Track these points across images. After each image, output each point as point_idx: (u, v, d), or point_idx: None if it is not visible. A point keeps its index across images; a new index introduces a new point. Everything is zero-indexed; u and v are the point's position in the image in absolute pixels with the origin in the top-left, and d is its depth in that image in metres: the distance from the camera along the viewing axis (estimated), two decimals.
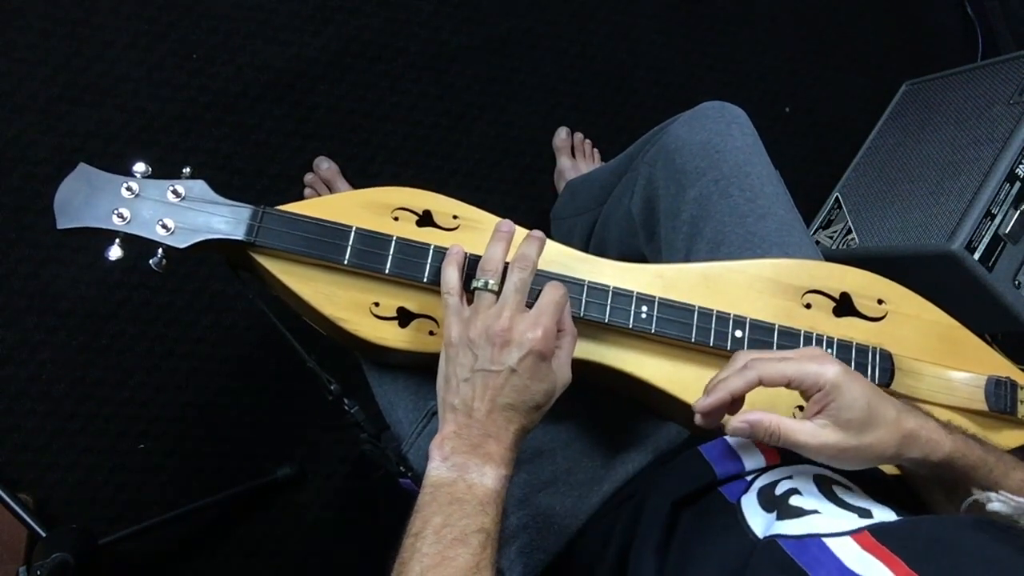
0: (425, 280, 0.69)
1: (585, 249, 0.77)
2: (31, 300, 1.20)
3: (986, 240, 1.25)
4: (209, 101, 1.31)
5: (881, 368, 0.76)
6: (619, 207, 1.02)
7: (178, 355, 1.24)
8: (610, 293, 0.71)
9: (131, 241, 0.65)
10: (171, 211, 0.66)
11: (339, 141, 1.36)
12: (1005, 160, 1.28)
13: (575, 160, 1.44)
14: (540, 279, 0.66)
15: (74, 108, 1.25)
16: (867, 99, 1.69)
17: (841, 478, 0.62)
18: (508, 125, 1.47)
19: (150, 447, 1.22)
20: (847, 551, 0.49)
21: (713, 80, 1.62)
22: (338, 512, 1.30)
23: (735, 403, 0.60)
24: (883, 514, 0.55)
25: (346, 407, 0.79)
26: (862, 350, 0.76)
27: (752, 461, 0.65)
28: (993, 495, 0.58)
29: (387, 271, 0.69)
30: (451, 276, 0.65)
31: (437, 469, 0.59)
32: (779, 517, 0.56)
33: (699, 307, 0.73)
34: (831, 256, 1.26)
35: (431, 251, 0.70)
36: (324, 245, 0.68)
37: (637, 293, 0.72)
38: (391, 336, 0.70)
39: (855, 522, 0.52)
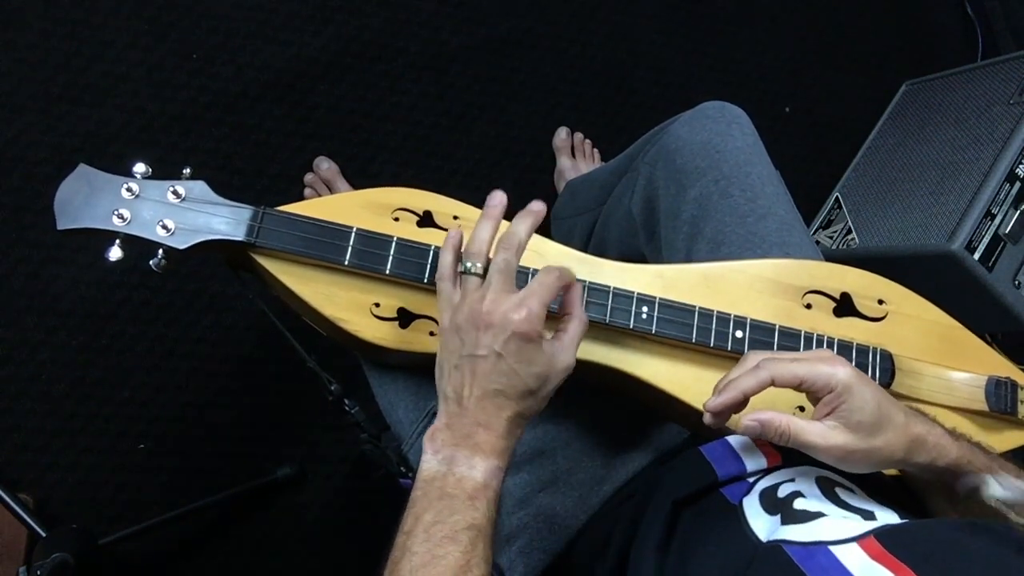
0: (426, 281, 0.69)
1: (585, 249, 0.77)
2: (31, 300, 1.20)
3: (986, 240, 1.25)
4: (209, 101, 1.31)
5: (882, 368, 0.76)
6: (619, 207, 1.02)
7: (178, 355, 1.24)
8: (610, 293, 0.71)
9: (131, 242, 0.65)
10: (171, 212, 0.66)
11: (339, 141, 1.36)
12: (1005, 160, 1.28)
13: (575, 160, 1.44)
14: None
15: (74, 108, 1.25)
16: (867, 99, 1.69)
17: (843, 480, 0.62)
18: (508, 125, 1.47)
19: (150, 447, 1.22)
20: (854, 560, 0.48)
21: (713, 80, 1.62)
22: (338, 512, 1.30)
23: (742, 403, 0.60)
24: (886, 516, 0.55)
25: (346, 407, 0.79)
26: (862, 350, 0.76)
27: (754, 462, 0.65)
28: (991, 478, 0.58)
29: (387, 272, 0.69)
30: (445, 260, 0.63)
31: (428, 462, 0.58)
32: (784, 521, 0.55)
33: (699, 307, 0.73)
34: (831, 256, 1.26)
35: (431, 252, 0.69)
36: (324, 245, 0.68)
37: (637, 293, 0.72)
38: (391, 337, 0.70)
39: (860, 526, 0.52)
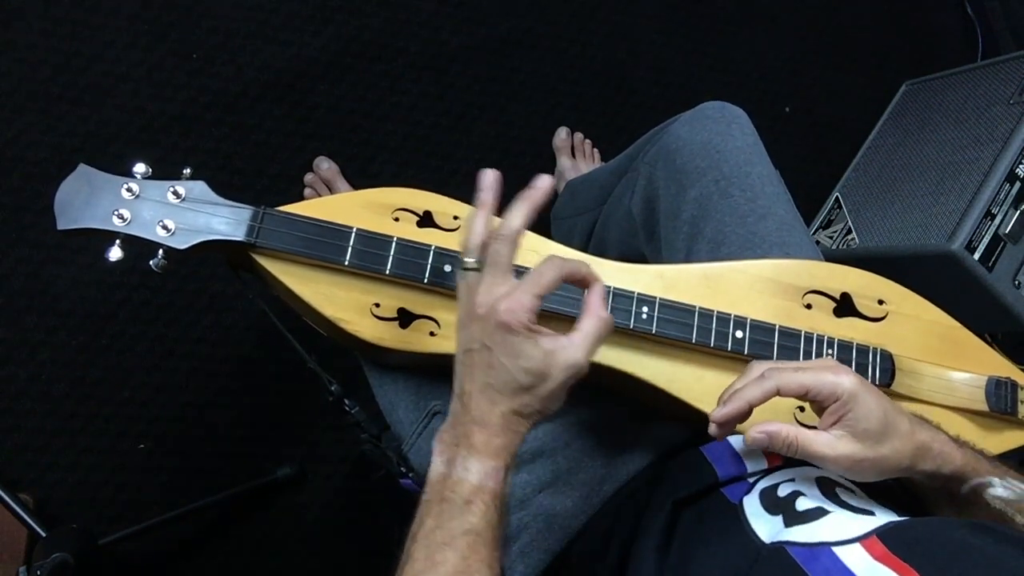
0: (426, 281, 0.69)
1: (585, 249, 0.77)
2: (31, 300, 1.20)
3: (986, 240, 1.25)
4: (209, 101, 1.31)
5: (882, 368, 0.76)
6: (619, 207, 1.02)
7: (178, 355, 1.24)
8: (611, 294, 0.71)
9: (131, 242, 0.65)
10: (171, 212, 0.66)
11: (339, 141, 1.36)
12: (1005, 160, 1.28)
13: (575, 160, 1.44)
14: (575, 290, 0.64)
15: (74, 108, 1.25)
16: (867, 99, 1.69)
17: (843, 480, 0.62)
18: (508, 125, 1.46)
19: (150, 447, 1.22)
20: (857, 561, 0.48)
21: (713, 80, 1.62)
22: (338, 512, 1.30)
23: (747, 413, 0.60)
24: (886, 516, 0.55)
25: (346, 407, 0.79)
26: (862, 350, 0.76)
27: (754, 463, 0.65)
28: (996, 480, 0.58)
29: (388, 272, 0.69)
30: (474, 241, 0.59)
31: (434, 463, 0.57)
32: (786, 523, 0.55)
33: (699, 308, 0.73)
34: (831, 256, 1.26)
35: (431, 252, 0.69)
36: (324, 246, 0.68)
37: (638, 294, 0.72)
38: (391, 337, 0.70)
39: (862, 526, 0.52)
